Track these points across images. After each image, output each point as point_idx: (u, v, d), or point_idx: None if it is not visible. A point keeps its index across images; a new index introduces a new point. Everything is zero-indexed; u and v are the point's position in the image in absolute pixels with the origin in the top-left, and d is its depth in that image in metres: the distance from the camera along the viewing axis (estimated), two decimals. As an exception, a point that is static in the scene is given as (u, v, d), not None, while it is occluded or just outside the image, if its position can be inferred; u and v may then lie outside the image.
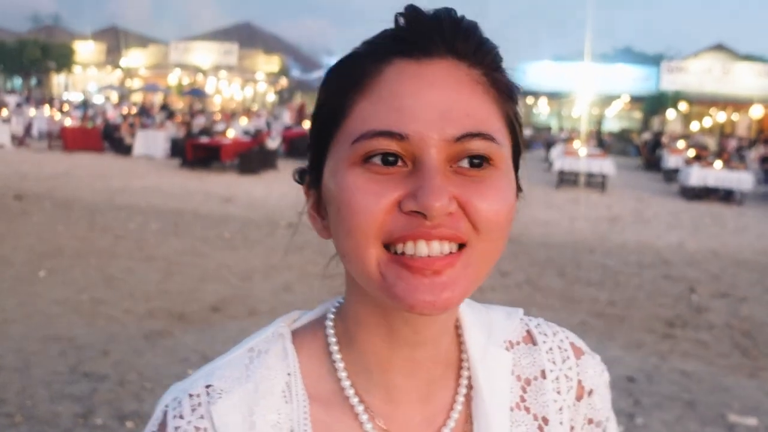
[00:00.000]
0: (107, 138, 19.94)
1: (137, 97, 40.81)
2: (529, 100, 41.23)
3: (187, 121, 21.75)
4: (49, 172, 14.20)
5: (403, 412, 0.62)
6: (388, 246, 0.53)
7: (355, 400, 0.61)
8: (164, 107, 30.93)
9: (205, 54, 40.97)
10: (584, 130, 26.77)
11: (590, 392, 0.69)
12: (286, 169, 17.14)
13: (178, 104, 38.21)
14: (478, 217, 0.54)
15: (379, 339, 0.60)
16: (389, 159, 0.54)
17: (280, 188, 13.45)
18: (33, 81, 44.16)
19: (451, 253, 0.53)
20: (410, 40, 0.56)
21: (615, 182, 16.73)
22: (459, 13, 0.58)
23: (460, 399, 0.64)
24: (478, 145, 0.54)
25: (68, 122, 21.20)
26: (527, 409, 0.66)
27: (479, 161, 0.55)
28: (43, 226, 8.72)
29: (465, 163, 0.54)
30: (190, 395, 0.59)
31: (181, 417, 0.58)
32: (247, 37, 44.12)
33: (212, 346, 4.69)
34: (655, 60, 40.30)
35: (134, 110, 26.31)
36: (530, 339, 0.70)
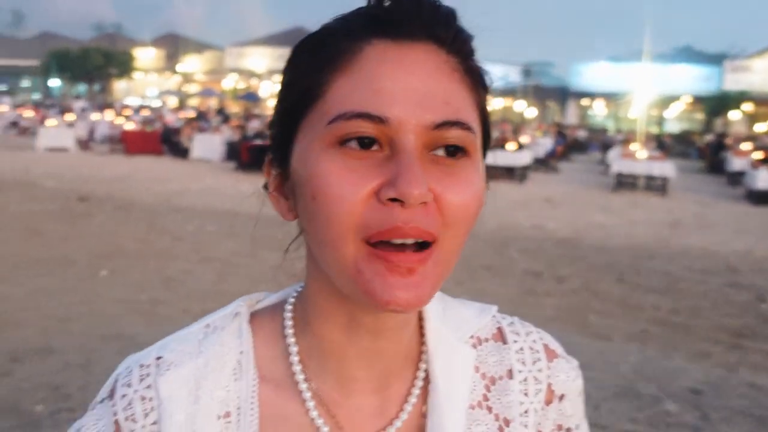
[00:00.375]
0: (166, 141, 20.47)
1: (194, 102, 41.85)
2: (585, 101, 40.51)
3: (242, 124, 22.13)
4: (110, 175, 14.66)
5: (356, 402, 0.61)
6: (367, 240, 0.52)
7: (303, 386, 0.60)
8: (220, 111, 31.59)
9: (258, 59, 41.74)
10: (642, 131, 26.07)
11: (561, 397, 0.66)
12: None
13: (233, 108, 39.00)
14: (449, 211, 0.53)
15: (338, 327, 0.59)
16: (365, 142, 0.52)
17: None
18: (96, 87, 45.80)
19: (420, 249, 0.52)
20: (391, 21, 0.54)
21: (676, 185, 16.22)
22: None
23: (416, 392, 0.62)
24: (455, 134, 0.53)
25: (129, 126, 21.87)
26: (489, 409, 0.63)
27: (453, 150, 0.53)
28: (104, 227, 8.98)
29: (441, 152, 0.53)
30: (141, 365, 0.59)
31: (129, 385, 0.59)
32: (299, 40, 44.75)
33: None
34: (716, 59, 38.98)
35: (193, 114, 26.95)
36: (500, 337, 0.67)
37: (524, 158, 16.96)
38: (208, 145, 19.08)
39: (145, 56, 45.57)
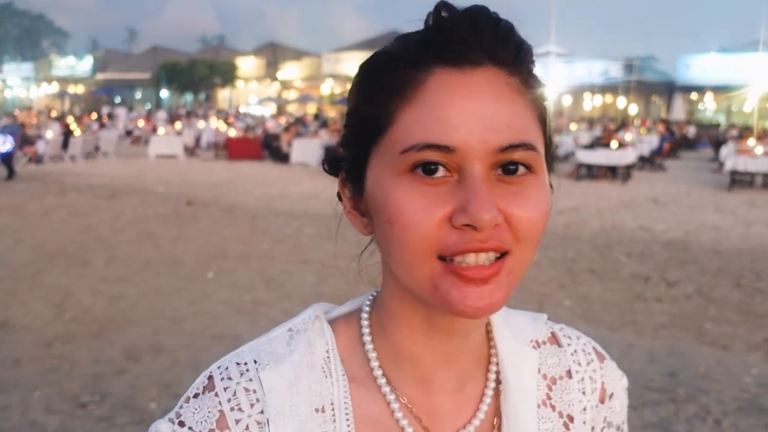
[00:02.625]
0: (266, 147, 21.14)
1: (292, 108, 43.05)
2: (694, 95, 38.39)
3: (339, 128, 22.51)
4: (215, 180, 15.28)
5: (435, 402, 0.64)
6: (442, 257, 0.55)
7: (386, 388, 0.63)
8: (317, 116, 32.30)
9: (354, 63, 41.95)
10: (758, 126, 24.36)
11: (611, 396, 0.72)
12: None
13: (330, 113, 39.78)
14: (519, 227, 0.55)
15: (414, 331, 0.62)
16: (431, 168, 0.55)
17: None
18: (202, 96, 48.06)
19: (496, 259, 0.55)
20: (451, 49, 0.56)
21: (798, 183, 15.04)
22: (492, 11, 0.58)
23: (489, 392, 0.66)
24: (520, 155, 0.55)
25: (232, 133, 22.74)
26: (553, 407, 0.67)
27: (516, 168, 0.56)
28: (210, 230, 9.35)
29: (507, 171, 0.56)
30: (238, 363, 0.62)
31: (230, 379, 0.60)
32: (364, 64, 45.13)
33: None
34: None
35: (292, 120, 27.73)
36: (555, 341, 0.72)
37: (628, 157, 16.24)
38: (307, 150, 19.52)
39: (247, 65, 47.33)
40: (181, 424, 0.60)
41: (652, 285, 6.77)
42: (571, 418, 0.68)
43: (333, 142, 19.30)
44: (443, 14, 0.57)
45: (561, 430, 0.67)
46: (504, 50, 0.57)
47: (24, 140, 18.52)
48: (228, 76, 45.67)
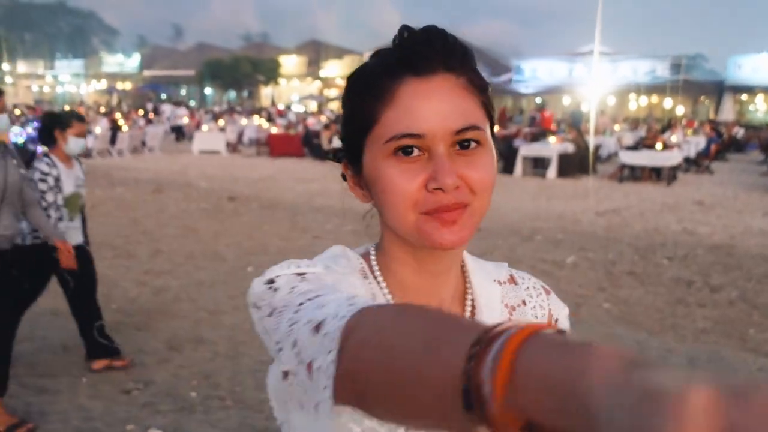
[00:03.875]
0: (307, 144, 21.34)
1: (333, 105, 43.30)
2: (744, 96, 37.28)
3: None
4: (256, 176, 15.51)
5: None
6: (423, 213, 0.77)
7: (385, 292, 0.85)
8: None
9: (396, 62, 42.33)
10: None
11: (557, 320, 0.96)
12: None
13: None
14: (474, 185, 0.77)
15: (410, 269, 0.85)
16: (408, 150, 0.76)
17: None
18: (245, 93, 48.71)
19: (458, 211, 0.77)
20: (414, 62, 0.77)
21: None
22: (441, 28, 0.80)
23: (466, 316, 0.89)
24: (470, 134, 0.77)
25: (274, 130, 23.01)
26: None
27: (468, 143, 0.77)
28: (251, 225, 9.50)
29: (463, 146, 0.77)
30: (297, 266, 0.77)
31: (313, 265, 0.78)
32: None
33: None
34: None
35: (332, 117, 27.88)
36: (513, 281, 0.96)
37: (673, 158, 15.90)
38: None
39: (289, 63, 47.75)
40: (288, 267, 0.77)
41: (695, 289, 6.65)
42: None
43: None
44: (405, 35, 0.79)
45: None
46: (452, 59, 0.78)
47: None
48: (271, 73, 46.15)
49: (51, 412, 3.71)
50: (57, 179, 4.06)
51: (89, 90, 54.34)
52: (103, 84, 53.76)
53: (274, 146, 21.10)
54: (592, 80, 29.72)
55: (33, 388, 4.01)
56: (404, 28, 0.79)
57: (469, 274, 0.92)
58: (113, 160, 18.51)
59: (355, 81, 0.82)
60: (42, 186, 3.99)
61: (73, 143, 4.14)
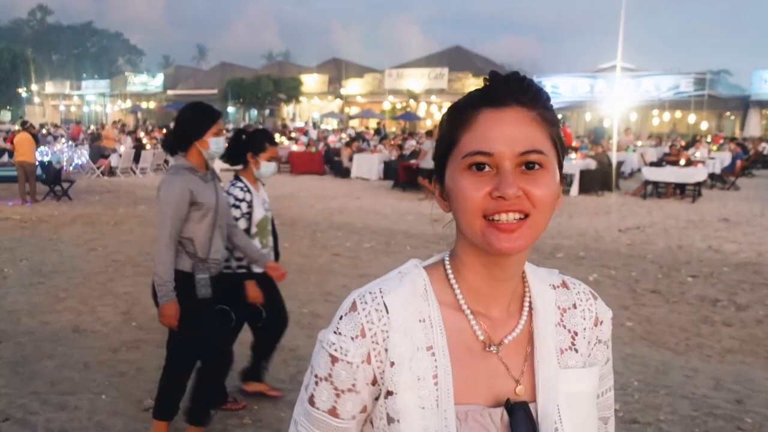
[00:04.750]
0: (328, 161, 21.44)
1: (354, 123, 43.49)
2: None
3: (399, 144, 22.61)
4: (277, 193, 15.58)
5: (492, 319, 0.99)
6: (486, 217, 0.90)
7: (467, 310, 0.98)
8: (377, 131, 32.55)
9: (417, 79, 42.51)
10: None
11: (602, 322, 1.07)
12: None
13: (391, 128, 39.98)
14: (534, 199, 0.89)
15: (480, 277, 0.97)
16: (480, 166, 0.90)
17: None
18: (266, 112, 49.17)
19: (519, 219, 0.89)
20: (492, 97, 0.92)
21: None
22: (526, 75, 0.96)
23: (524, 315, 1.01)
24: (534, 157, 0.90)
25: (295, 148, 23.16)
26: (564, 326, 1.03)
27: (532, 165, 0.90)
28: (271, 242, 9.51)
29: (525, 167, 0.90)
30: (370, 292, 0.96)
31: (366, 303, 0.95)
32: (456, 60, 44.97)
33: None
34: None
35: (351, 135, 28.01)
36: (565, 285, 1.08)
37: (698, 174, 15.69)
38: (366, 165, 19.72)
39: (310, 81, 48.12)
40: (339, 333, 0.94)
41: (721, 308, 6.52)
42: (575, 333, 1.04)
43: (393, 157, 19.38)
44: (491, 77, 0.96)
45: (569, 340, 1.03)
46: (524, 96, 0.92)
47: (98, 153, 19.39)
48: (292, 91, 46.50)
49: (71, 430, 3.72)
50: (250, 204, 3.88)
51: (114, 109, 55.25)
52: (128, 103, 54.64)
53: (295, 164, 21.24)
54: (614, 96, 29.50)
55: (54, 405, 4.03)
56: (492, 74, 0.96)
57: (527, 278, 1.03)
58: (137, 178, 18.74)
59: (448, 112, 0.98)
60: (235, 212, 3.79)
61: (264, 167, 3.97)
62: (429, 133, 17.91)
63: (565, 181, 16.46)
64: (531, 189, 0.88)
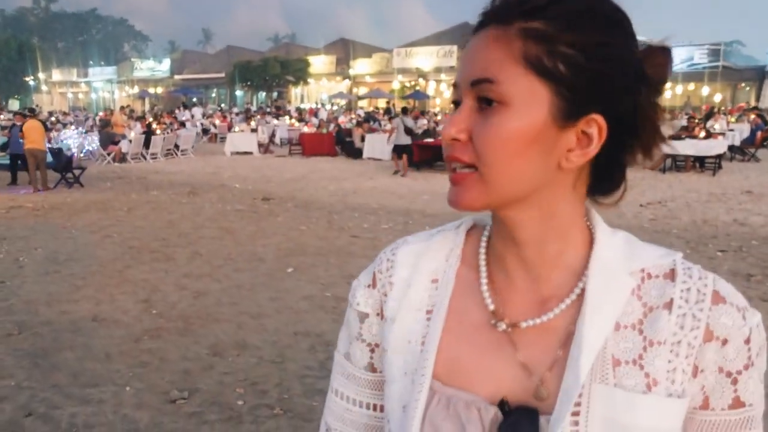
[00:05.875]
0: (339, 143, 21.22)
1: (363, 103, 43.14)
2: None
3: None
4: (289, 176, 15.43)
5: (514, 294, 0.79)
6: None
7: (483, 272, 0.81)
8: (387, 111, 32.22)
9: (425, 57, 42.04)
10: None
11: (724, 341, 0.71)
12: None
13: (400, 107, 39.59)
14: (477, 147, 0.70)
15: (499, 240, 0.79)
16: (456, 102, 0.74)
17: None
18: (275, 94, 48.86)
19: (468, 170, 0.72)
20: (477, 22, 0.74)
21: None
22: None
23: (567, 301, 0.75)
24: (484, 88, 0.70)
25: (306, 129, 22.96)
26: (641, 331, 0.73)
27: (488, 101, 0.70)
28: (287, 225, 9.39)
29: (483, 102, 0.70)
30: (396, 243, 0.88)
31: (384, 253, 0.87)
32: (465, 37, 44.37)
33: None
34: None
35: (362, 116, 27.73)
36: (671, 276, 0.75)
37: (718, 147, 15.36)
38: (378, 145, 19.47)
39: (318, 62, 47.69)
40: (358, 280, 0.89)
41: (755, 282, 6.31)
42: (651, 343, 0.72)
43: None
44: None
45: (638, 350, 0.72)
46: (502, 13, 0.70)
47: (108, 140, 19.27)
48: (300, 73, 46.15)
49: (96, 424, 3.58)
50: None
51: (122, 95, 55.12)
52: (135, 89, 54.48)
53: (307, 146, 21.04)
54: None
55: (77, 398, 3.90)
56: None
57: (593, 253, 0.76)
58: (147, 164, 18.62)
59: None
60: None
61: None
62: (405, 110, 17.75)
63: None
64: (477, 133, 0.70)
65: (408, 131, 15.95)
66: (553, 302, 0.76)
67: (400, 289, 0.83)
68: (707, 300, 0.72)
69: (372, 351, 0.86)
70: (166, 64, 57.23)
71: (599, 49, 0.69)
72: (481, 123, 0.70)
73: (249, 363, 4.37)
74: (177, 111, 34.05)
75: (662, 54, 0.73)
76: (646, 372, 0.71)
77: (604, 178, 0.77)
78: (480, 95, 0.70)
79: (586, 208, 0.79)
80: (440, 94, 42.35)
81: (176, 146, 20.96)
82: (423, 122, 22.48)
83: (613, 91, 0.70)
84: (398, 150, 16.04)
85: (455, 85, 0.74)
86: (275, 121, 27.20)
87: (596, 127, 0.70)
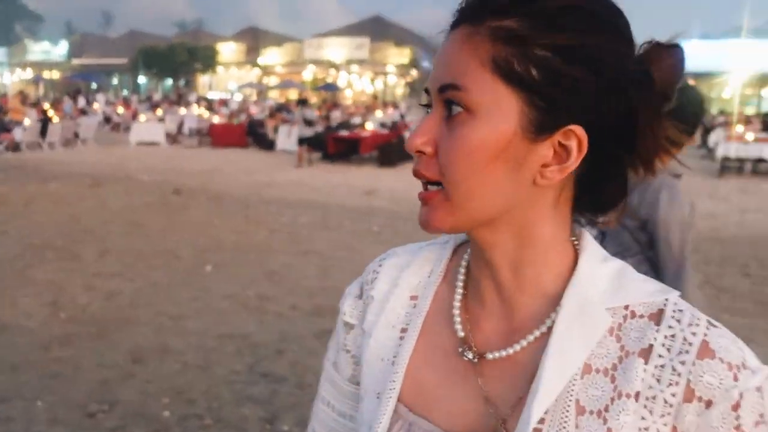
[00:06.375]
0: (251, 134, 20.74)
1: (273, 94, 42.43)
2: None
3: (326, 115, 22.12)
4: (200, 168, 14.92)
5: (485, 319, 0.72)
6: None
7: (458, 293, 0.74)
8: (301, 102, 31.80)
9: (337, 49, 41.83)
10: (738, 112, 24.31)
11: (708, 403, 0.60)
12: (424, 160, 16.93)
13: (312, 99, 39.29)
14: (441, 160, 0.64)
15: (474, 260, 0.74)
16: (427, 107, 0.67)
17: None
18: (182, 82, 47.18)
19: (435, 187, 0.65)
20: (452, 22, 0.67)
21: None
22: None
23: (536, 333, 0.68)
24: (451, 94, 0.63)
25: (216, 120, 22.30)
26: (613, 378, 0.64)
27: (458, 108, 0.63)
28: (201, 219, 9.05)
29: (452, 110, 0.64)
30: (384, 253, 0.83)
31: (373, 263, 0.83)
32: (377, 30, 44.48)
33: (383, 348, 4.49)
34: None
35: (274, 106, 27.22)
36: (656, 318, 0.65)
37: None
38: (292, 137, 19.17)
39: (227, 50, 46.47)
40: (349, 289, 0.84)
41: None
42: (620, 394, 0.62)
43: (320, 129, 18.86)
44: None
45: (605, 401, 0.63)
46: (474, 10, 0.64)
47: (0, 127, 17.95)
48: (208, 61, 44.84)
49: (3, 442, 3.28)
50: None
51: (14, 79, 51.55)
52: (29, 73, 51.09)
53: (217, 136, 20.42)
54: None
55: (-21, 414, 3.56)
56: None
57: (570, 283, 0.67)
58: (45, 153, 17.49)
59: None
60: None
61: None
62: (304, 102, 17.81)
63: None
64: (441, 145, 0.64)
65: (308, 123, 16.02)
66: (522, 333, 0.69)
67: (379, 303, 0.78)
68: (693, 351, 0.61)
69: (356, 363, 0.81)
70: (63, 47, 54.05)
71: (580, 51, 0.61)
72: (447, 134, 0.64)
73: (172, 369, 4.14)
74: (66, 99, 31.84)
75: (669, 53, 0.65)
76: (608, 427, 0.62)
77: (594, 194, 0.69)
78: (448, 100, 0.64)
79: (577, 228, 0.71)
80: (351, 85, 42.25)
81: (76, 135, 19.80)
82: (336, 114, 22.36)
83: (595, 99, 0.62)
84: (302, 142, 16.20)
85: (426, 90, 0.67)
86: (183, 111, 26.24)
87: (575, 139, 0.62)
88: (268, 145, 19.65)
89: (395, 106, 29.64)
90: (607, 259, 0.70)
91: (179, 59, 43.63)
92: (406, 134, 17.57)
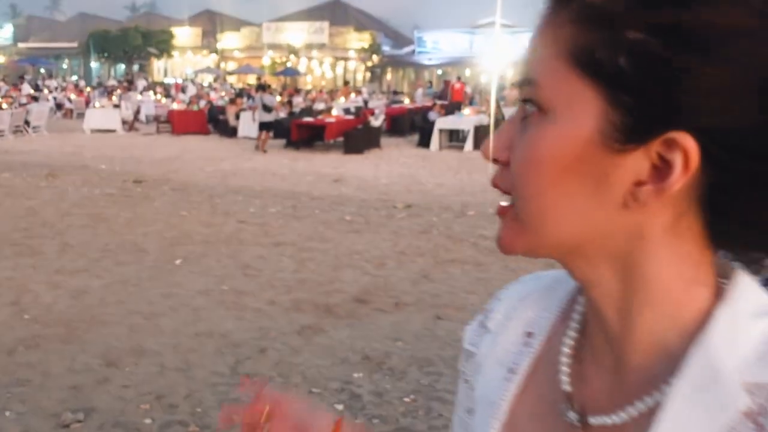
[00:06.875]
0: (212, 120, 20.26)
1: (232, 79, 41.64)
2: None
3: (289, 101, 21.73)
4: (160, 156, 14.49)
5: (595, 368, 0.58)
6: None
7: (567, 341, 0.61)
8: (261, 87, 31.22)
9: (296, 33, 41.21)
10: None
11: None
12: (389, 147, 16.81)
13: (272, 84, 38.68)
14: (512, 170, 0.53)
15: (585, 299, 0.60)
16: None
17: (387, 168, 13.12)
18: (135, 67, 45.89)
19: (506, 204, 0.55)
20: None
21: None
22: None
23: (649, 401, 0.52)
24: (525, 93, 0.52)
25: (175, 106, 21.72)
26: None
27: (533, 107, 0.52)
28: (166, 211, 8.76)
29: (527, 109, 0.53)
30: (517, 279, 0.72)
31: (499, 290, 0.73)
32: (337, 14, 43.98)
33: (369, 343, 4.36)
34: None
35: (232, 92, 26.65)
36: (754, 416, 0.48)
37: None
38: (254, 123, 18.78)
39: (183, 35, 45.35)
40: (477, 317, 0.74)
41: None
42: None
43: (283, 115, 18.51)
44: None
45: None
46: None
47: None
48: (163, 45, 43.68)
49: (-29, 458, 3.05)
50: None
51: (-44, 64, 49.42)
52: (-28, 57, 49.05)
53: (177, 123, 19.88)
54: (493, 53, 30.21)
55: (-58, 427, 3.31)
56: None
57: (697, 341, 0.50)
58: (-6, 141, 16.77)
59: None
60: None
61: None
62: (262, 87, 17.57)
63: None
64: (515, 151, 0.53)
65: (266, 108, 15.82)
66: (635, 395, 0.54)
67: (492, 336, 0.69)
68: None
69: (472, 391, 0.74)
70: (7, 30, 52.09)
71: (689, 30, 0.45)
72: (519, 139, 0.53)
73: (150, 372, 3.92)
74: (22, 83, 30.71)
75: None
76: None
77: (735, 223, 0.50)
78: (525, 101, 0.53)
79: (723, 266, 0.54)
80: (312, 71, 41.74)
81: (26, 122, 19.01)
82: (298, 100, 22.02)
83: (711, 98, 0.45)
84: (263, 128, 16.01)
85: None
86: (140, 97, 25.48)
87: (680, 151, 0.46)
88: (230, 132, 19.22)
89: (358, 92, 29.36)
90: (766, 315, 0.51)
91: (133, 43, 42.41)
92: (372, 120, 17.44)
